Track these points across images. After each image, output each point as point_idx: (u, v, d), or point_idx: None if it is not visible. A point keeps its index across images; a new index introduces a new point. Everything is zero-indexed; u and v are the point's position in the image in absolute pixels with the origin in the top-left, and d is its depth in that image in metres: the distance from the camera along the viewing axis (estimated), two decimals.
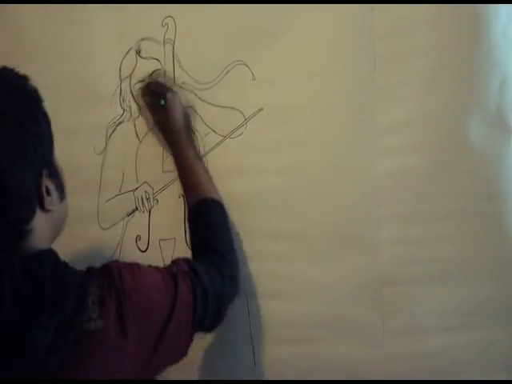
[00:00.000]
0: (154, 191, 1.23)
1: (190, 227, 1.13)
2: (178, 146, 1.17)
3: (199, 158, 1.17)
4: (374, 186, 1.06)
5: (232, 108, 1.16)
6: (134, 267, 0.91)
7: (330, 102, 1.10)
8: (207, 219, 1.10)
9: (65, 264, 0.86)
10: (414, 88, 1.06)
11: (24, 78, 0.87)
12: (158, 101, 1.17)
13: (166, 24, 1.23)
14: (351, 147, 1.09)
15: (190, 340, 0.95)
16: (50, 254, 0.85)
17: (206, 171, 1.16)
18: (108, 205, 1.25)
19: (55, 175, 0.88)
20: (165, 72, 1.22)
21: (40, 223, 0.84)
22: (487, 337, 0.99)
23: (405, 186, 1.06)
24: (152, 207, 1.23)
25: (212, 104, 1.18)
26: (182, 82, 1.21)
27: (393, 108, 1.06)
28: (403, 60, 1.06)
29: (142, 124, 1.24)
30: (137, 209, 1.24)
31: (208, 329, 1.01)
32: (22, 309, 0.78)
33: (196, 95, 1.20)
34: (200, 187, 1.13)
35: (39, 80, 1.28)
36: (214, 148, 1.17)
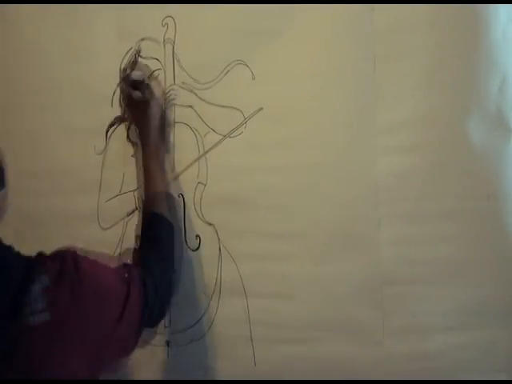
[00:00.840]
0: None
1: (141, 233, 1.13)
2: (145, 144, 1.18)
3: (162, 160, 1.19)
4: (374, 185, 1.06)
5: (232, 107, 1.16)
6: (89, 258, 0.90)
7: (330, 102, 1.10)
8: (158, 235, 1.10)
9: (6, 250, 0.82)
10: (414, 88, 1.06)
11: None
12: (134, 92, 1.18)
13: (166, 24, 1.23)
14: (351, 147, 1.09)
15: (137, 340, 0.95)
16: None
17: (164, 173, 1.19)
18: (108, 205, 1.25)
19: None
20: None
21: None
22: (487, 337, 0.99)
23: (405, 186, 1.05)
24: None
25: (212, 103, 1.18)
26: (182, 82, 1.21)
27: (393, 108, 1.06)
28: (403, 60, 1.06)
29: None
30: (137, 209, 1.24)
31: (150, 326, 1.04)
32: None
33: (196, 95, 1.20)
34: (152, 190, 1.15)
35: (39, 80, 1.29)
36: (213, 147, 1.17)
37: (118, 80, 1.26)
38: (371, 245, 1.06)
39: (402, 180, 1.05)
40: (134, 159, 1.24)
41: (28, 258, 0.83)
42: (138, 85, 1.18)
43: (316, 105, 1.11)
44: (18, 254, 0.82)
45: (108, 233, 1.25)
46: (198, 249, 1.17)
